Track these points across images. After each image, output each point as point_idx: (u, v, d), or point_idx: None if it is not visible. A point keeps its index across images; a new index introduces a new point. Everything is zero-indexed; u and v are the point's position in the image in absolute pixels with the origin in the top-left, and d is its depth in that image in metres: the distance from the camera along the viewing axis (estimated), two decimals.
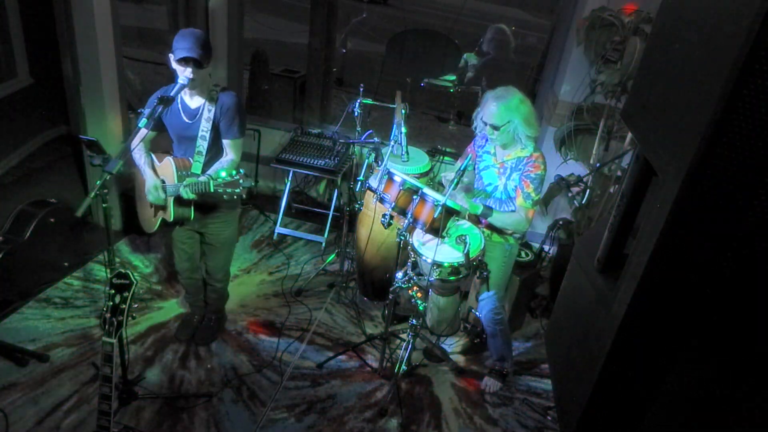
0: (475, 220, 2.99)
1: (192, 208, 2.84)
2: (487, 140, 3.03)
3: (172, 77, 2.77)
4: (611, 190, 3.98)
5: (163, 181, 2.85)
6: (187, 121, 2.81)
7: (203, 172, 2.80)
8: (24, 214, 3.43)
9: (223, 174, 2.49)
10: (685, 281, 1.43)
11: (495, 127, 2.79)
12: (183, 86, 2.64)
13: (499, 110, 2.75)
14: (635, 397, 1.62)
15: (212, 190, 2.52)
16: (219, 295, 3.37)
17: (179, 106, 2.82)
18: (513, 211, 2.91)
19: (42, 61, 4.32)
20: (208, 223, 3.02)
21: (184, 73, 2.63)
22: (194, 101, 2.82)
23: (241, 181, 2.49)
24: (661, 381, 1.56)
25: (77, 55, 3.84)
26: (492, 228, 3.01)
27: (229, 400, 2.98)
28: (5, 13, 4.08)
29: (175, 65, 2.64)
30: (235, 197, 2.52)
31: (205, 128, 2.78)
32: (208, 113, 2.78)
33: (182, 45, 2.60)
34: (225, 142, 2.84)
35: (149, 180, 2.82)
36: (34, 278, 3.53)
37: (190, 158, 2.84)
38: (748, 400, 1.45)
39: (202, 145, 2.79)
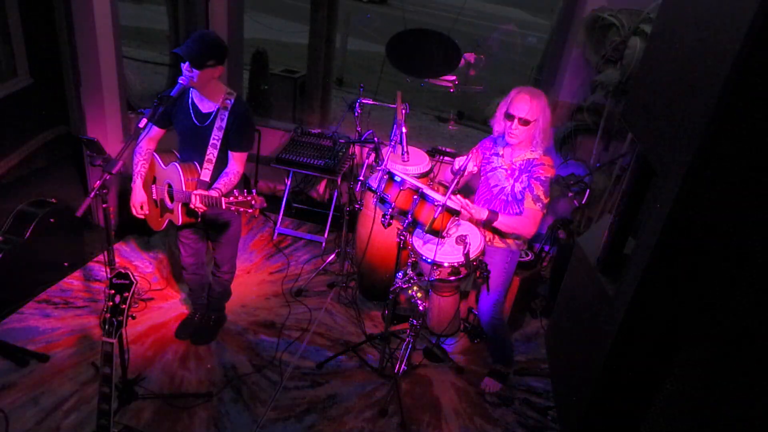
0: (484, 226, 2.97)
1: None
2: (496, 143, 3.01)
3: (171, 77, 2.78)
4: (611, 190, 3.98)
5: (170, 185, 2.86)
6: (196, 123, 2.81)
7: (212, 180, 2.81)
8: (24, 214, 3.43)
9: (236, 192, 2.49)
10: (685, 281, 1.43)
11: (525, 122, 2.77)
12: (181, 86, 2.64)
13: (532, 105, 2.76)
14: (636, 397, 1.62)
15: (223, 207, 2.52)
16: (224, 288, 3.37)
17: (190, 106, 2.82)
18: (519, 213, 2.89)
19: (42, 61, 4.31)
20: (213, 219, 3.03)
21: (185, 72, 2.63)
22: (205, 105, 2.81)
23: (253, 203, 2.48)
24: (662, 381, 1.57)
25: (77, 55, 3.84)
26: (495, 232, 2.99)
27: (229, 400, 2.98)
28: (5, 13, 4.07)
29: None
30: (247, 214, 2.52)
31: (216, 137, 2.78)
32: (221, 122, 2.77)
33: (183, 43, 2.62)
34: (231, 153, 2.84)
35: (136, 194, 2.88)
36: (34, 278, 3.53)
37: (195, 162, 2.85)
38: (749, 400, 1.45)
39: (213, 153, 2.79)
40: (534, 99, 2.76)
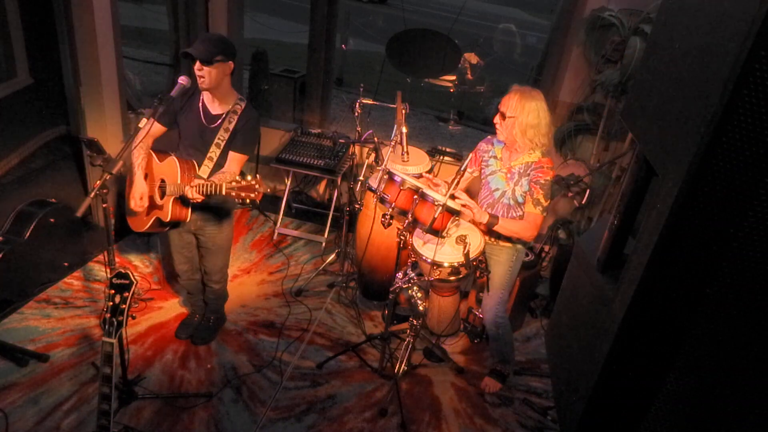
0: (486, 230, 2.97)
1: (189, 209, 2.85)
2: (493, 145, 3.01)
3: (171, 77, 2.78)
4: (611, 190, 3.99)
5: (162, 181, 2.85)
6: (205, 124, 2.83)
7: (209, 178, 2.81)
8: (24, 214, 3.43)
9: (238, 177, 2.47)
10: (685, 281, 1.43)
11: (503, 115, 2.79)
12: (181, 85, 2.64)
13: (511, 101, 2.76)
14: (636, 396, 1.62)
15: (224, 192, 2.50)
16: (217, 296, 3.37)
17: (200, 108, 2.84)
18: (521, 216, 2.89)
19: (42, 61, 4.31)
20: (203, 226, 3.02)
21: (197, 74, 2.66)
22: (215, 107, 2.84)
23: (257, 186, 2.43)
24: (662, 381, 1.56)
25: (77, 55, 3.84)
26: (496, 236, 2.99)
27: (229, 400, 2.98)
28: (5, 13, 4.07)
29: None
30: (248, 202, 2.46)
31: (222, 137, 2.81)
32: (229, 124, 2.81)
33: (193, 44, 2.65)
34: (232, 154, 2.85)
35: (137, 185, 2.83)
36: (34, 278, 3.53)
37: (194, 161, 2.84)
38: (749, 400, 1.45)
39: (215, 152, 2.81)
40: (515, 95, 2.76)
